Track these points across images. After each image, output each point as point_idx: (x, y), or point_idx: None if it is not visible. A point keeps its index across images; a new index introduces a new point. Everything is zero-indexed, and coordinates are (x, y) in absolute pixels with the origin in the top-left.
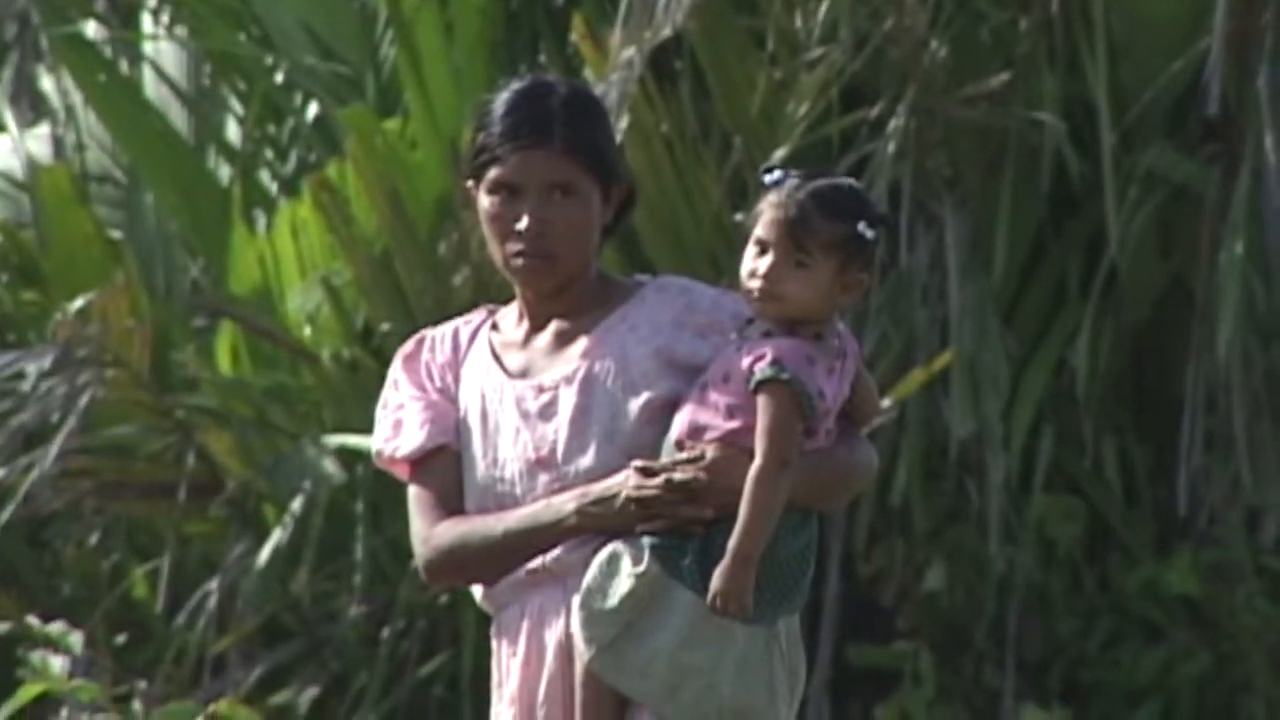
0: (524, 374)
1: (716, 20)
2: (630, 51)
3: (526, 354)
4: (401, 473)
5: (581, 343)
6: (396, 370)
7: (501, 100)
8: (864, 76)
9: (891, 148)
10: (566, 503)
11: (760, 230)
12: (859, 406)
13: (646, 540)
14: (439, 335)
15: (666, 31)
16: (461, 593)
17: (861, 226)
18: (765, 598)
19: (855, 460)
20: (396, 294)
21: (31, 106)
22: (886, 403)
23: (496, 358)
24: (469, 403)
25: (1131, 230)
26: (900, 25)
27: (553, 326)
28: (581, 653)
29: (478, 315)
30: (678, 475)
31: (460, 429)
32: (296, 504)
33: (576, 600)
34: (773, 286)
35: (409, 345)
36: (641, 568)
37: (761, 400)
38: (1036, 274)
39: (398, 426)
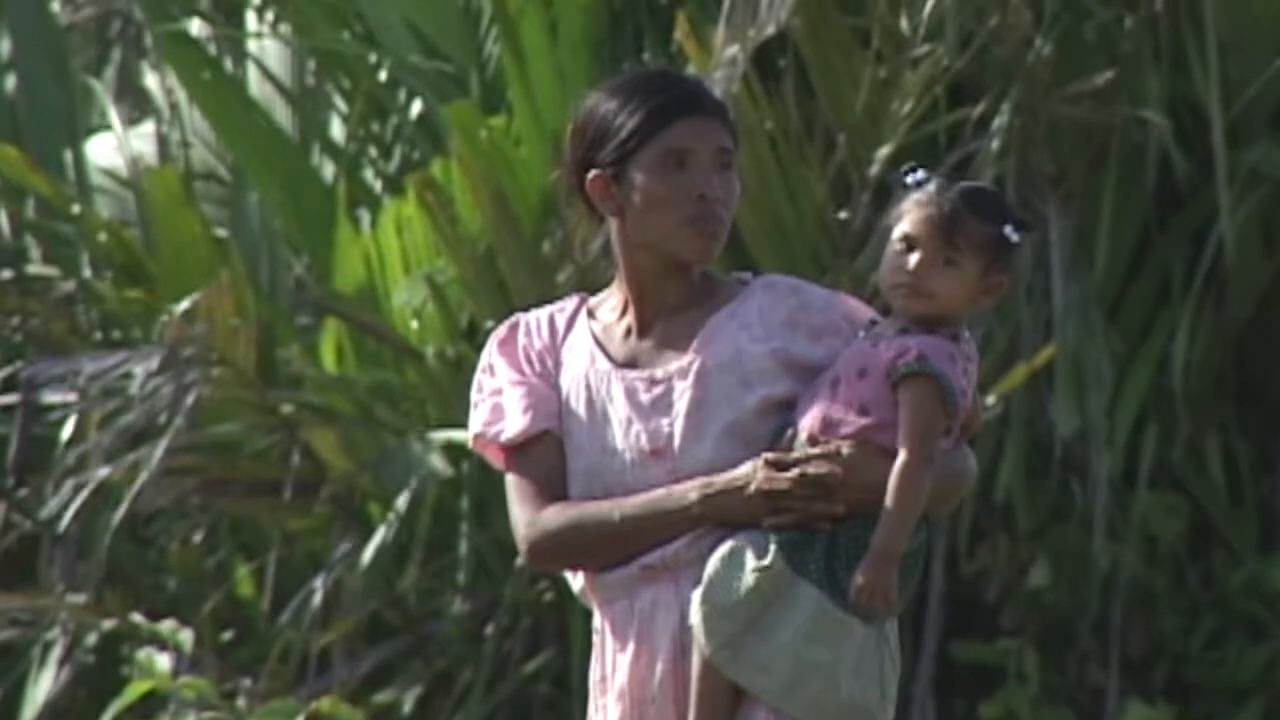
0: (632, 364)
1: (821, 18)
2: (734, 49)
3: (633, 344)
4: (495, 457)
5: (692, 336)
6: (492, 354)
7: (635, 86)
8: (969, 74)
9: (996, 145)
10: (689, 492)
11: (908, 228)
12: (968, 415)
13: (774, 535)
14: (533, 320)
15: (770, 29)
16: (566, 590)
17: (1008, 229)
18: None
19: (965, 468)
20: (500, 291)
21: (135, 105)
22: (991, 399)
23: (600, 346)
24: (572, 389)
25: (1234, 226)
26: (1005, 23)
27: (660, 318)
28: (703, 646)
29: (570, 302)
30: (812, 470)
31: (564, 415)
32: (401, 501)
33: (695, 594)
34: (921, 283)
35: (502, 330)
36: (766, 562)
37: (906, 395)
38: (1140, 271)
39: (498, 410)
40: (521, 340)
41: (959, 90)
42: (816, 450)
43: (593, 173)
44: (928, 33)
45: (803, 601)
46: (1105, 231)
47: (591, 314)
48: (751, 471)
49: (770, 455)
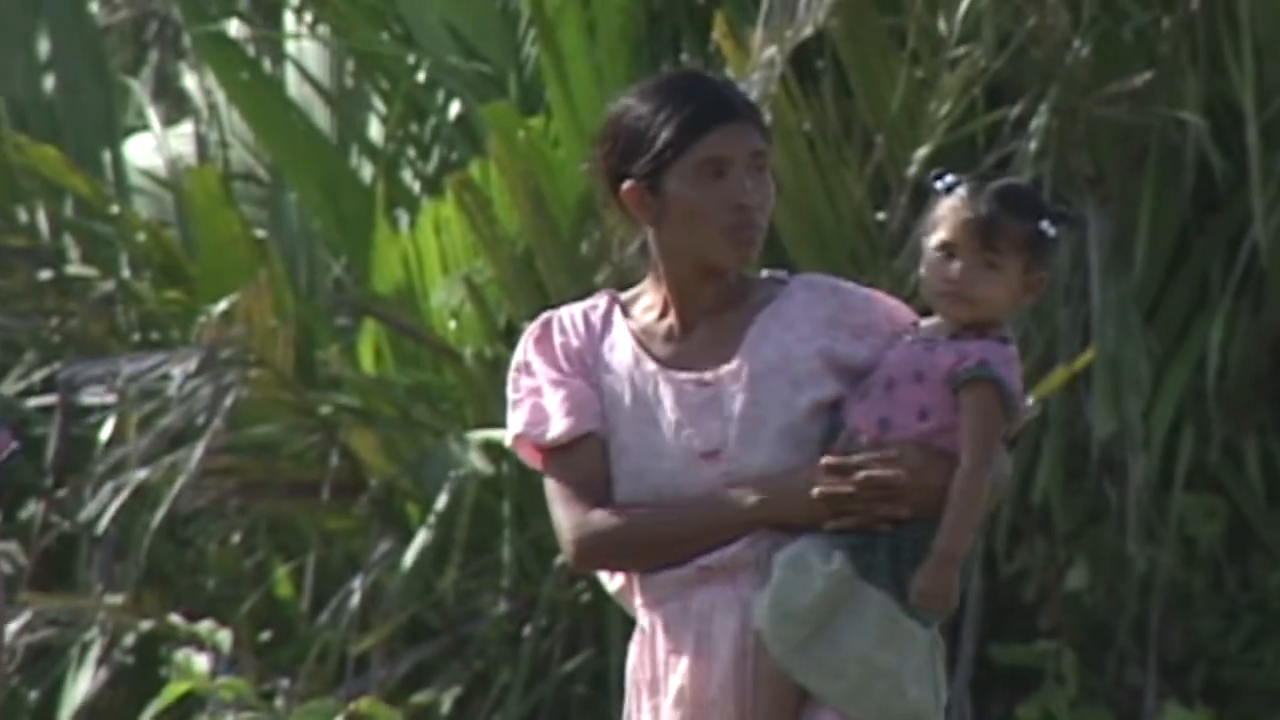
0: (679, 366)
1: (858, 19)
2: (772, 50)
3: (677, 345)
4: (532, 457)
5: (738, 337)
6: (528, 353)
7: (665, 92)
8: (1006, 75)
9: (1033, 146)
10: (747, 496)
11: (945, 234)
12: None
13: (840, 539)
14: (567, 317)
15: (808, 30)
16: (604, 590)
17: (1044, 224)
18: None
19: (1001, 472)
20: (538, 292)
21: (173, 105)
22: (1029, 401)
23: (643, 346)
24: (615, 389)
25: (1270, 228)
26: (1043, 24)
27: (701, 319)
28: (772, 651)
29: (601, 299)
30: (878, 472)
31: (607, 416)
32: (440, 502)
33: (762, 599)
34: (965, 290)
35: (536, 328)
36: (834, 566)
37: (968, 400)
38: (1179, 273)
39: (539, 410)
40: (557, 338)
41: (997, 91)
42: (879, 453)
43: (627, 183)
44: (965, 34)
45: (870, 606)
46: (1143, 233)
47: (625, 312)
48: (811, 475)
49: (831, 459)
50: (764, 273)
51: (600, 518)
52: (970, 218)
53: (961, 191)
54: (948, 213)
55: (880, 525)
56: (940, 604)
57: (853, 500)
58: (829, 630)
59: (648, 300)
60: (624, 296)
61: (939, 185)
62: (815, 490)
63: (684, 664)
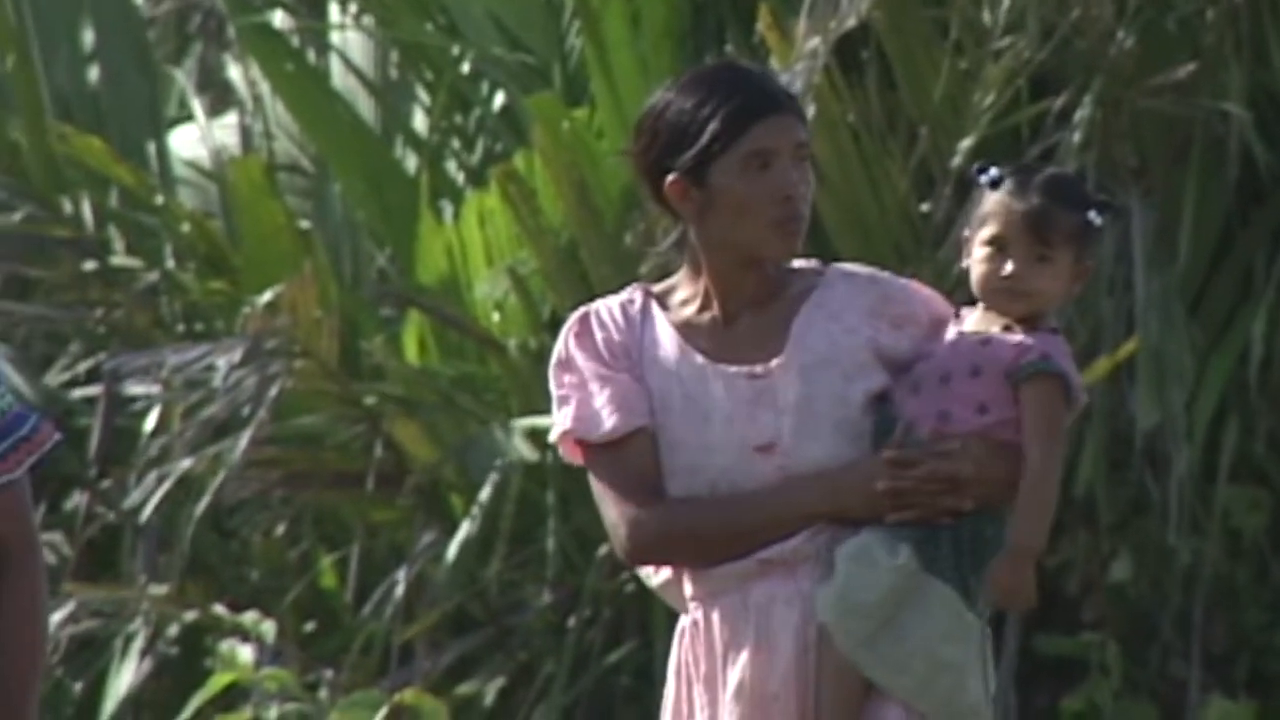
0: (727, 359)
1: (902, 10)
2: (816, 41)
3: (722, 338)
4: (572, 453)
5: (784, 329)
6: (569, 348)
7: (707, 85)
8: (1050, 66)
9: (1078, 138)
10: (808, 489)
11: (996, 229)
12: None
13: (904, 532)
14: (604, 311)
15: (852, 21)
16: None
17: (1091, 214)
18: (986, 594)
19: None
20: (583, 283)
21: (218, 96)
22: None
23: (687, 340)
24: (663, 384)
25: None
26: (1087, 15)
27: (744, 311)
28: (840, 646)
29: (635, 293)
30: (945, 466)
31: (657, 410)
32: (485, 491)
33: (827, 593)
34: (1020, 285)
35: (574, 323)
36: (901, 560)
37: (1032, 394)
38: (1223, 264)
39: (586, 406)
40: (599, 333)
41: (1041, 82)
42: (942, 446)
43: (671, 177)
44: (1009, 25)
45: (935, 600)
46: (1187, 224)
47: (662, 305)
48: (870, 468)
49: (896, 453)
50: (795, 263)
51: (658, 513)
52: (1022, 211)
53: (1009, 185)
54: (997, 207)
55: (941, 519)
56: (1022, 601)
57: (917, 494)
58: (895, 624)
59: (684, 293)
60: (656, 289)
61: (984, 179)
62: (880, 484)
63: (744, 658)
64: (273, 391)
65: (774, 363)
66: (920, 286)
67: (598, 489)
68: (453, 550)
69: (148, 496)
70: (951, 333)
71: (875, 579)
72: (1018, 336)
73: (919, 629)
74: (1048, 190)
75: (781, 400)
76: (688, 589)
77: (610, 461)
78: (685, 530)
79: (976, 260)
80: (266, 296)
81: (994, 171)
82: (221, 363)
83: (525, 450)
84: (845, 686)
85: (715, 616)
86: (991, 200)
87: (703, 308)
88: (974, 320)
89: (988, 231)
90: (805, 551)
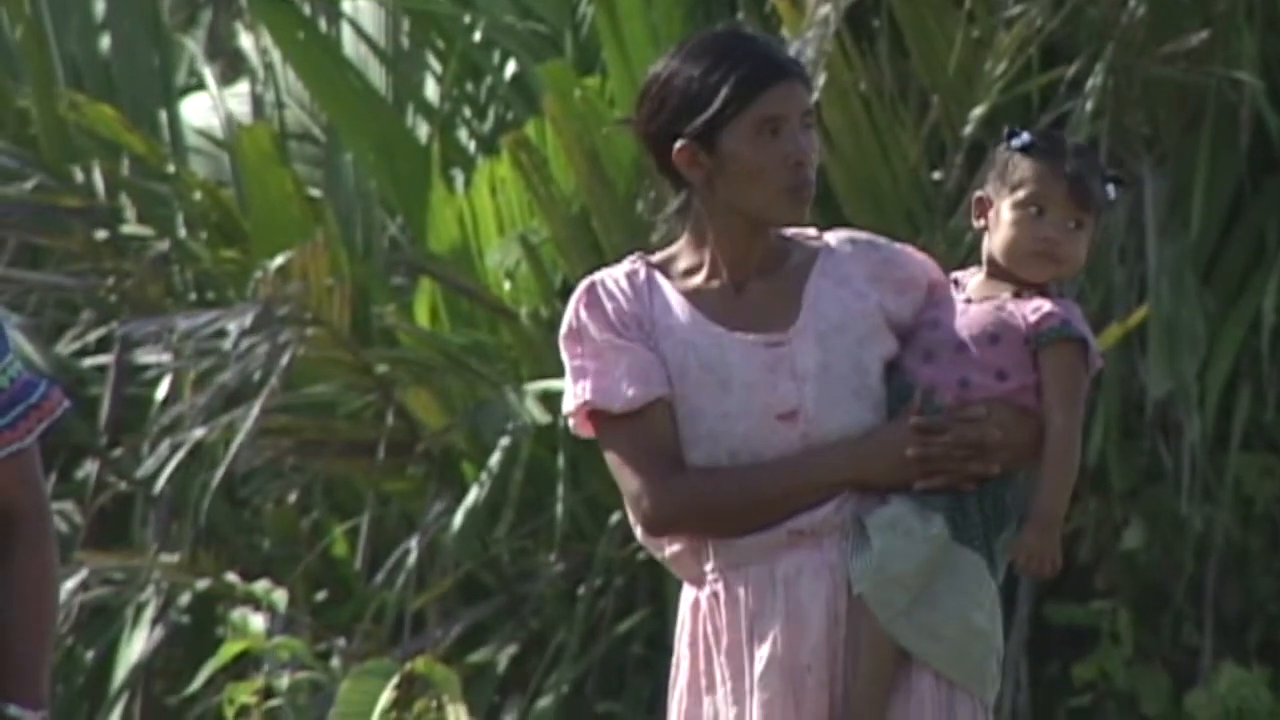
0: (742, 327)
1: None
2: (827, 9)
3: (734, 306)
4: (582, 426)
5: (796, 295)
6: (581, 318)
7: (714, 51)
8: (1062, 34)
9: (1089, 106)
10: (833, 457)
11: (1034, 190)
12: None
13: (933, 500)
14: (609, 281)
15: None
16: None
17: (1110, 187)
18: (1003, 559)
19: None
20: (594, 251)
21: (229, 65)
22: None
23: (698, 308)
24: (679, 353)
25: None
26: None
27: (752, 279)
28: (879, 616)
29: (636, 264)
30: (972, 432)
31: (675, 380)
32: (495, 459)
33: (860, 562)
34: (1059, 249)
35: (582, 294)
36: (935, 530)
37: (1054, 359)
38: (1234, 232)
39: (603, 377)
40: (608, 303)
41: (1052, 51)
42: (967, 412)
43: (680, 142)
44: None
45: (967, 568)
46: (1199, 193)
47: (666, 275)
48: (894, 435)
49: (923, 420)
50: (788, 231)
51: (681, 483)
52: (1067, 175)
53: (1044, 148)
54: (1038, 172)
55: (966, 485)
56: (1049, 567)
57: (946, 460)
58: (929, 594)
59: (687, 263)
60: (655, 259)
61: (1016, 142)
62: (910, 450)
63: (774, 630)
64: (284, 359)
65: (790, 329)
66: (915, 251)
67: (615, 460)
68: (460, 516)
69: (161, 465)
70: (958, 299)
71: (912, 549)
72: (1036, 302)
73: (952, 597)
74: (1083, 159)
75: (800, 367)
76: (708, 561)
77: (630, 432)
78: (710, 499)
79: (1008, 222)
80: (278, 261)
81: (1026, 136)
82: (232, 327)
83: (537, 413)
84: (880, 657)
85: (740, 588)
86: (1028, 163)
87: (710, 276)
88: (977, 286)
89: (1024, 193)
90: (833, 522)
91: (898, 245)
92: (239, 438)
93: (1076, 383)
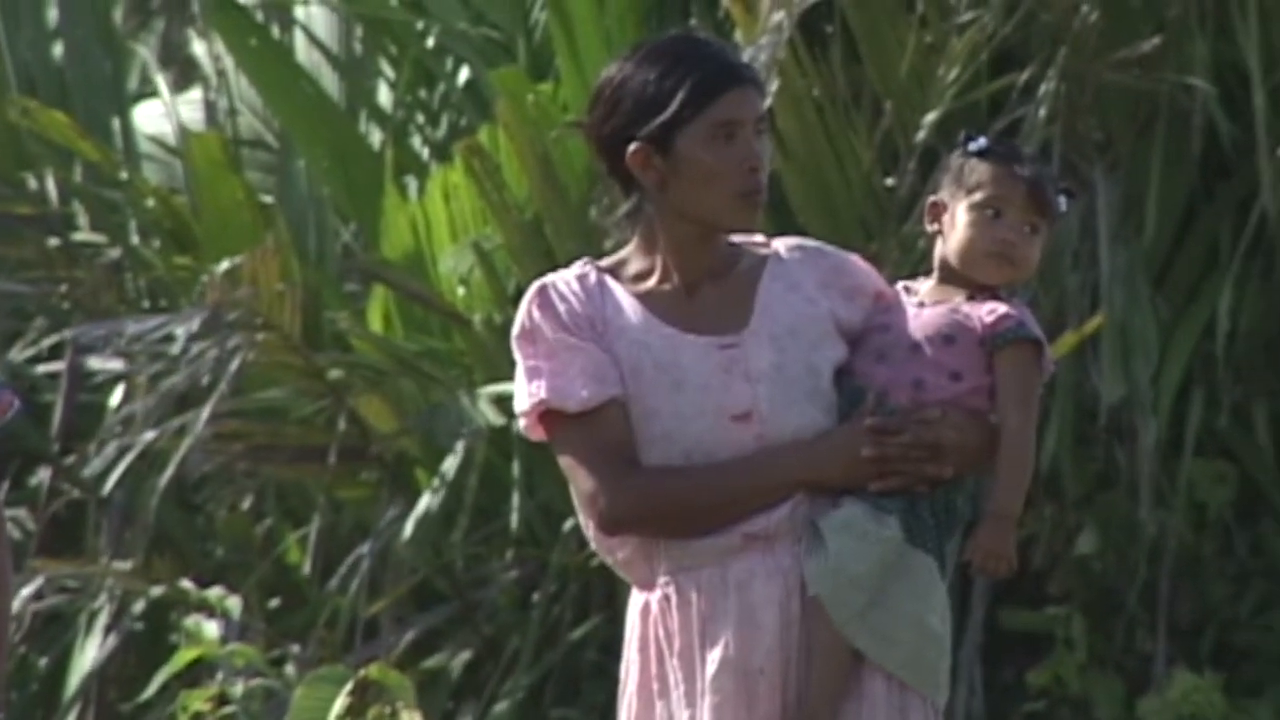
0: (695, 329)
1: None
2: (780, 15)
3: (686, 308)
4: (533, 430)
5: (748, 299)
6: (534, 318)
7: (669, 55)
8: (1015, 40)
9: (1042, 112)
10: (789, 458)
11: (993, 193)
12: None
13: (887, 503)
14: (561, 284)
15: None
16: None
17: (1061, 198)
18: (951, 564)
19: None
20: (547, 258)
21: (182, 72)
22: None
23: (651, 310)
24: (632, 353)
25: (1278, 195)
26: None
27: (704, 283)
28: (835, 618)
29: (585, 267)
30: (927, 434)
31: (628, 380)
32: (449, 464)
33: (814, 564)
34: (1015, 251)
35: (534, 295)
36: (890, 532)
37: (1009, 360)
38: (1187, 238)
39: (558, 376)
40: (560, 304)
41: (1005, 56)
42: (923, 414)
43: (634, 145)
44: None
45: (920, 570)
46: (1152, 198)
47: (616, 279)
48: (848, 437)
49: (877, 421)
50: (735, 238)
51: (637, 482)
52: (1025, 177)
53: (1003, 153)
54: (996, 175)
55: (922, 487)
56: (1004, 566)
57: (901, 461)
58: (883, 596)
59: (638, 267)
60: (604, 264)
61: (973, 146)
62: (866, 451)
63: (726, 633)
64: (234, 364)
65: (744, 332)
66: (861, 260)
67: (569, 461)
68: (412, 522)
69: (109, 467)
70: (909, 303)
71: (867, 550)
72: (990, 304)
73: (907, 601)
74: (1039, 165)
75: (754, 369)
76: (660, 564)
77: (585, 432)
78: (666, 498)
79: (965, 224)
80: (224, 265)
81: (983, 140)
82: (180, 332)
83: (491, 415)
84: (835, 659)
85: (691, 591)
86: (985, 167)
87: (661, 280)
88: (929, 290)
89: (982, 195)
90: (787, 526)
91: (845, 253)
92: (189, 441)
93: (1032, 384)
